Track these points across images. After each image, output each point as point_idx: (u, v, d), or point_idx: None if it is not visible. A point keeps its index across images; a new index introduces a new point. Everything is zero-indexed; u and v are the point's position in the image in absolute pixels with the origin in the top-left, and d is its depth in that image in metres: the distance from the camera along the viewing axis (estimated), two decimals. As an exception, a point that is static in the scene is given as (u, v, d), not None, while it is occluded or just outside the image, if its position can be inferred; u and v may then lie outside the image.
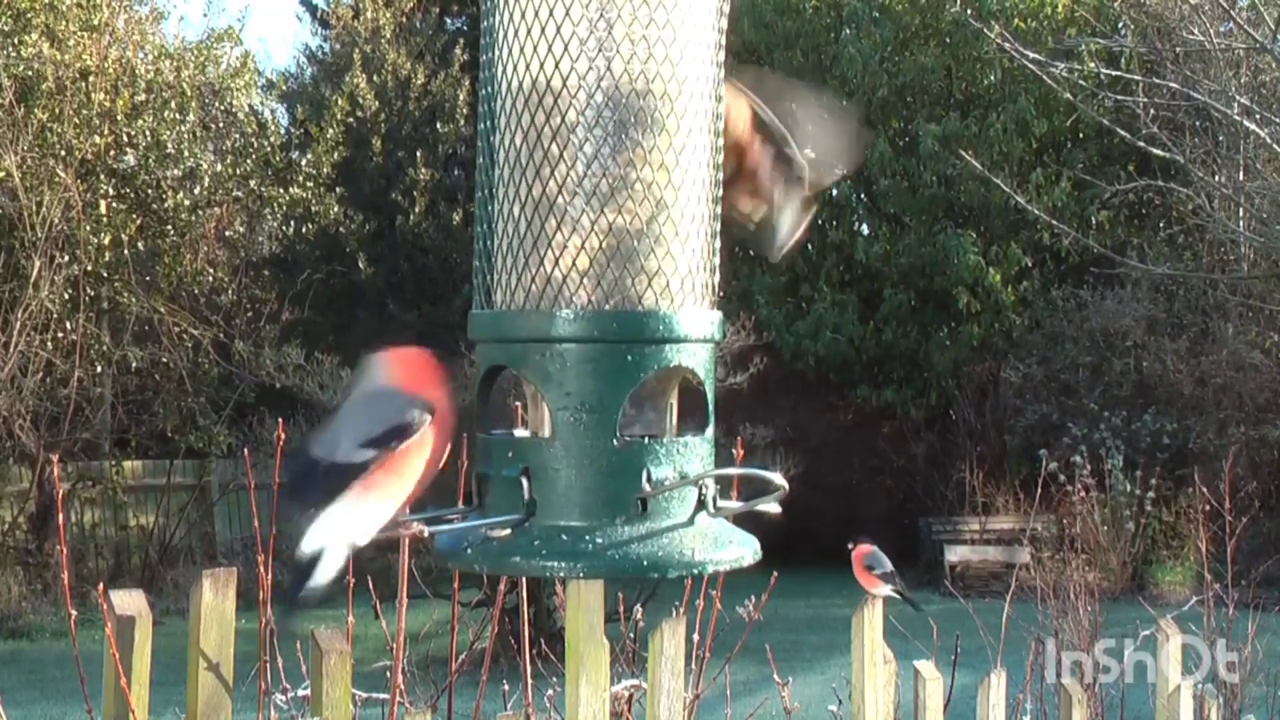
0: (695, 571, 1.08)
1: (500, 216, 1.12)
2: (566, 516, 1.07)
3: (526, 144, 1.10)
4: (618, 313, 1.08)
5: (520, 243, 1.10)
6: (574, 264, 1.09)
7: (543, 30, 1.09)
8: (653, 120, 1.10)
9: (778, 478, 1.11)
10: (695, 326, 1.10)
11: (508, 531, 1.08)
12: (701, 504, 1.10)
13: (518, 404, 1.37)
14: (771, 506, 1.12)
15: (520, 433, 1.15)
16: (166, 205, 12.88)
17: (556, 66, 1.09)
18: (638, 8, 1.08)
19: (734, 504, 1.13)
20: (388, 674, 2.08)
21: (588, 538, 1.06)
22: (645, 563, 1.06)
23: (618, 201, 1.09)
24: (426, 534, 1.14)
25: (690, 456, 1.10)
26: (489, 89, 1.14)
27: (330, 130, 14.32)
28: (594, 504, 1.07)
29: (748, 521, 1.14)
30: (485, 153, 1.15)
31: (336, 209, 14.64)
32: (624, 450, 1.07)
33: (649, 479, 1.07)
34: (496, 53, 1.13)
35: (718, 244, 1.15)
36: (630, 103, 1.09)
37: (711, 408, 1.13)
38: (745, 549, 1.11)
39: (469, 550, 1.09)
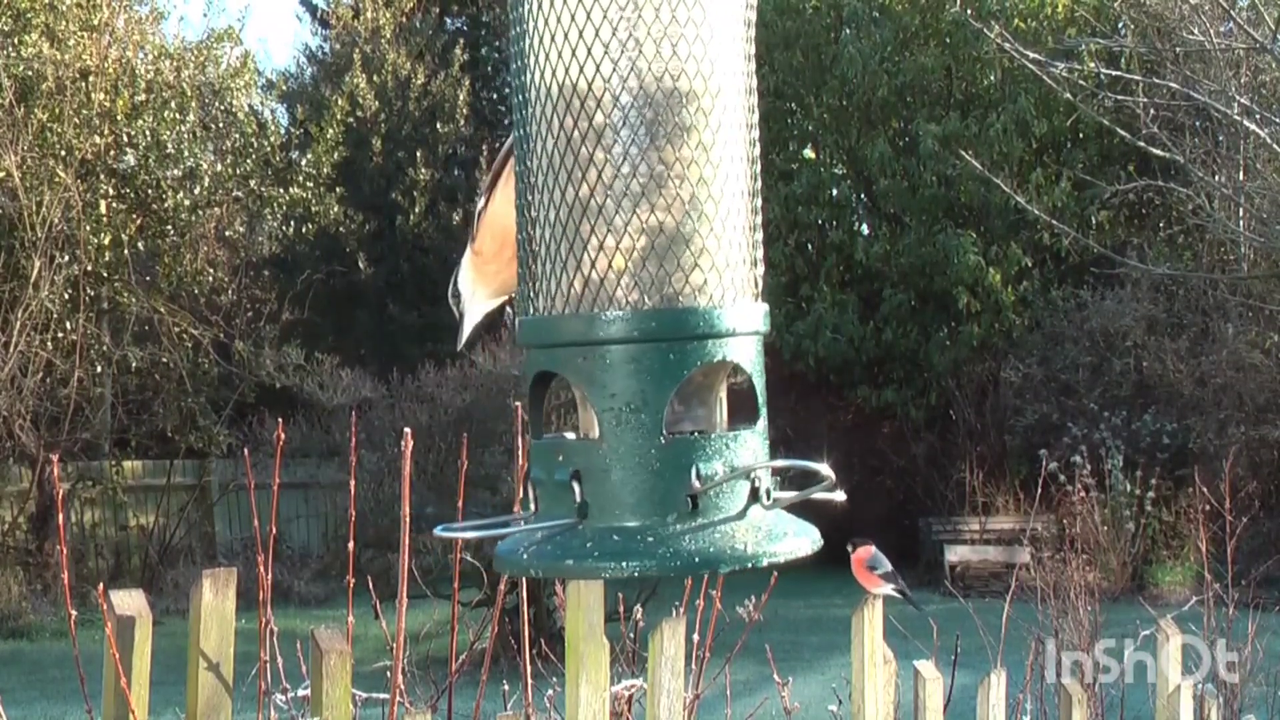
0: (749, 564, 1.08)
1: (538, 222, 1.13)
2: (618, 517, 1.08)
3: (558, 149, 1.11)
4: (657, 311, 1.08)
5: (557, 247, 1.11)
6: (610, 265, 1.09)
7: (566, 34, 1.09)
8: (682, 117, 1.10)
9: (824, 468, 1.11)
10: (737, 320, 1.11)
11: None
12: (755, 497, 1.10)
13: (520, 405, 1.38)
14: (834, 495, 1.13)
15: (569, 436, 1.16)
16: (166, 205, 12.88)
17: (582, 70, 1.09)
18: (660, 6, 1.09)
19: (789, 494, 1.13)
20: (388, 674, 2.08)
21: (639, 537, 1.07)
22: (697, 559, 1.06)
23: (651, 201, 1.09)
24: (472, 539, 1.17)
25: (740, 450, 1.10)
26: (520, 96, 1.14)
27: (330, 130, 14.32)
28: (644, 503, 1.08)
29: (804, 513, 1.15)
30: (520, 160, 1.15)
31: (336, 209, 14.65)
32: (670, 447, 1.08)
33: (698, 475, 1.08)
34: (525, 60, 1.13)
35: (759, 237, 1.15)
36: (659, 100, 1.09)
37: (762, 400, 1.14)
38: (803, 539, 1.11)
39: (525, 556, 1.10)
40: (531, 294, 1.14)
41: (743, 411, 1.14)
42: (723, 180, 1.11)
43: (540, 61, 1.11)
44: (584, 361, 1.09)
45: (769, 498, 1.11)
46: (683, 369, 1.09)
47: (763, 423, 1.13)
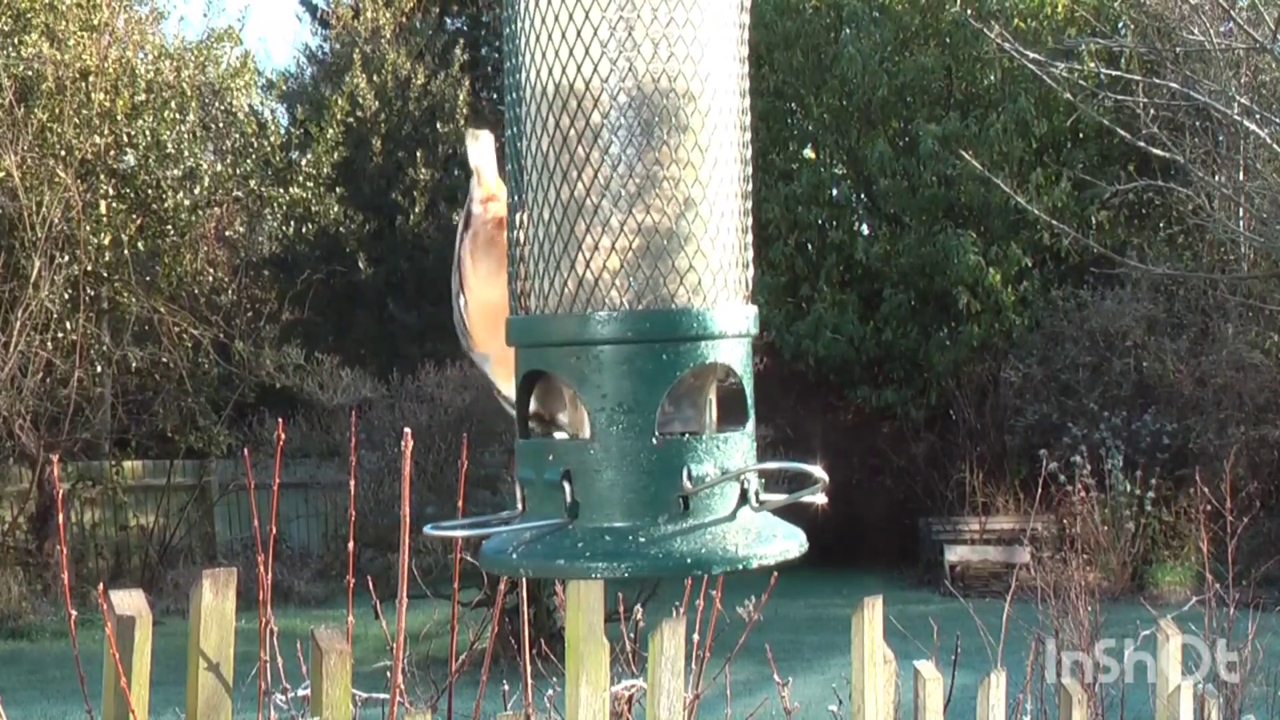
0: (740, 566, 1.08)
1: (530, 222, 1.13)
2: (609, 518, 1.07)
3: (553, 148, 1.11)
4: (650, 312, 1.08)
5: (551, 246, 1.11)
6: (605, 265, 1.09)
7: (564, 34, 1.09)
8: (678, 118, 1.10)
9: (818, 470, 1.11)
10: (729, 322, 1.11)
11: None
12: (744, 499, 1.10)
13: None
14: (817, 498, 1.13)
15: (560, 436, 1.15)
16: (166, 205, 12.88)
17: (579, 69, 1.09)
18: (658, 7, 1.09)
19: (777, 497, 1.13)
20: (388, 674, 2.08)
21: (630, 537, 1.07)
22: (689, 560, 1.07)
23: (646, 201, 1.09)
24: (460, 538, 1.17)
25: (730, 452, 1.10)
26: (514, 94, 1.14)
27: (330, 130, 14.32)
28: (635, 503, 1.07)
29: (789, 515, 1.15)
30: (513, 159, 1.15)
31: (336, 209, 14.65)
32: (663, 449, 1.08)
33: (689, 476, 1.07)
34: (520, 59, 1.13)
35: (749, 239, 1.16)
36: (655, 101, 1.09)
37: (750, 402, 1.14)
38: (791, 542, 1.11)
39: (514, 555, 1.10)
40: (523, 293, 1.14)
41: (732, 413, 1.14)
42: (718, 182, 1.11)
43: (536, 60, 1.11)
44: (576, 361, 1.09)
45: (758, 500, 1.11)
46: (675, 370, 1.08)
47: (751, 425, 1.13)
